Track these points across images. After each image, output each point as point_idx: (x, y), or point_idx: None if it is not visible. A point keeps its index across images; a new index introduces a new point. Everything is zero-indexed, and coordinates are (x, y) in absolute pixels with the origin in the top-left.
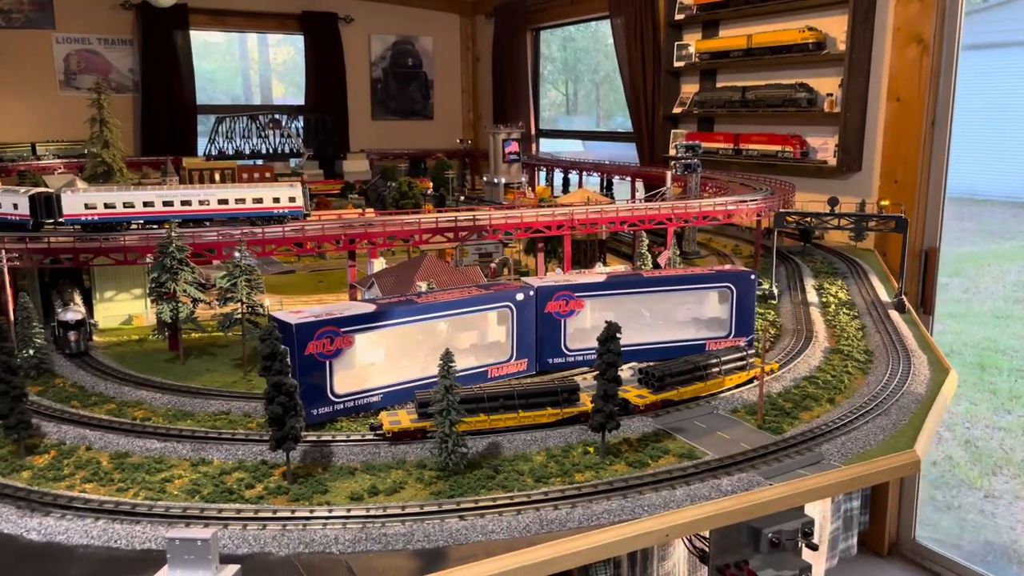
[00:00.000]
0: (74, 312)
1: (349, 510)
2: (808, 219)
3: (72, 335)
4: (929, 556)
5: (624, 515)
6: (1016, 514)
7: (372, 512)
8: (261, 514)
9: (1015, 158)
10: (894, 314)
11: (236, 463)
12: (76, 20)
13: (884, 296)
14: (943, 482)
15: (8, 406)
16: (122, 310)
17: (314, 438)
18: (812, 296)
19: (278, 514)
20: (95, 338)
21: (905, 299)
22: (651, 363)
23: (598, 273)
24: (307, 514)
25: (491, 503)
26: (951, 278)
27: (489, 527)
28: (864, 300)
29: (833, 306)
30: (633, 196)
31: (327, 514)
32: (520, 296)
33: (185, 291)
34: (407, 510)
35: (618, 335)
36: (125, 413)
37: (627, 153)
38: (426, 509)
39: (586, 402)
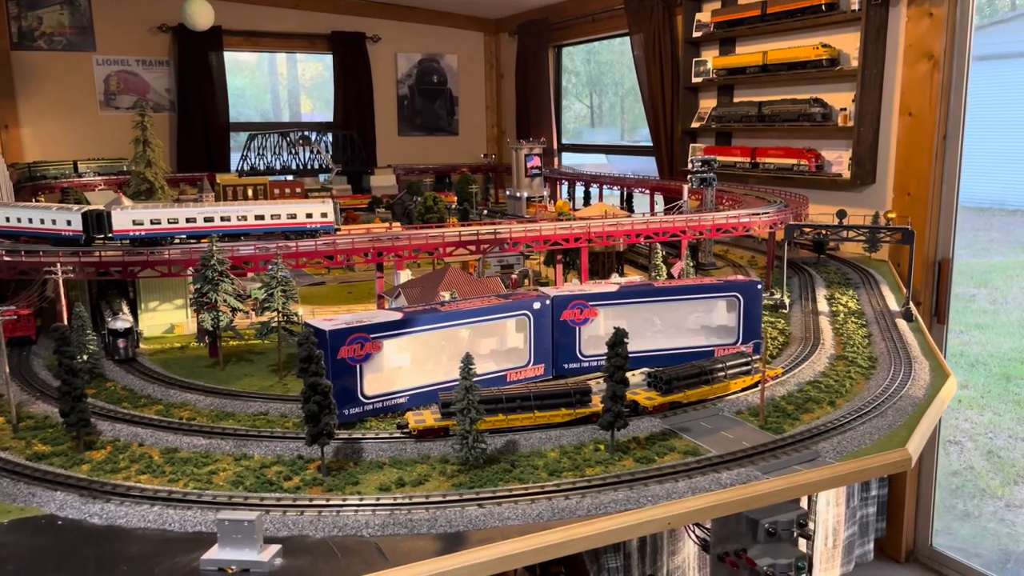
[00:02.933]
0: (123, 321)
1: (378, 499)
2: (819, 231)
3: (121, 342)
4: (947, 563)
5: (630, 504)
6: None
7: (399, 501)
8: (299, 502)
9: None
10: (901, 323)
11: (275, 458)
12: (115, 43)
13: (894, 306)
14: (964, 491)
15: (70, 405)
16: (165, 319)
17: (346, 436)
18: (823, 305)
19: (314, 502)
20: (141, 345)
21: (913, 308)
22: (660, 367)
23: (612, 284)
24: (340, 502)
25: (507, 493)
26: (978, 289)
27: (505, 514)
28: (873, 309)
29: (842, 315)
30: (652, 209)
31: (358, 502)
32: (537, 305)
33: (225, 301)
34: (431, 499)
35: (625, 340)
36: (172, 413)
37: (650, 166)
38: (448, 498)
39: (598, 403)
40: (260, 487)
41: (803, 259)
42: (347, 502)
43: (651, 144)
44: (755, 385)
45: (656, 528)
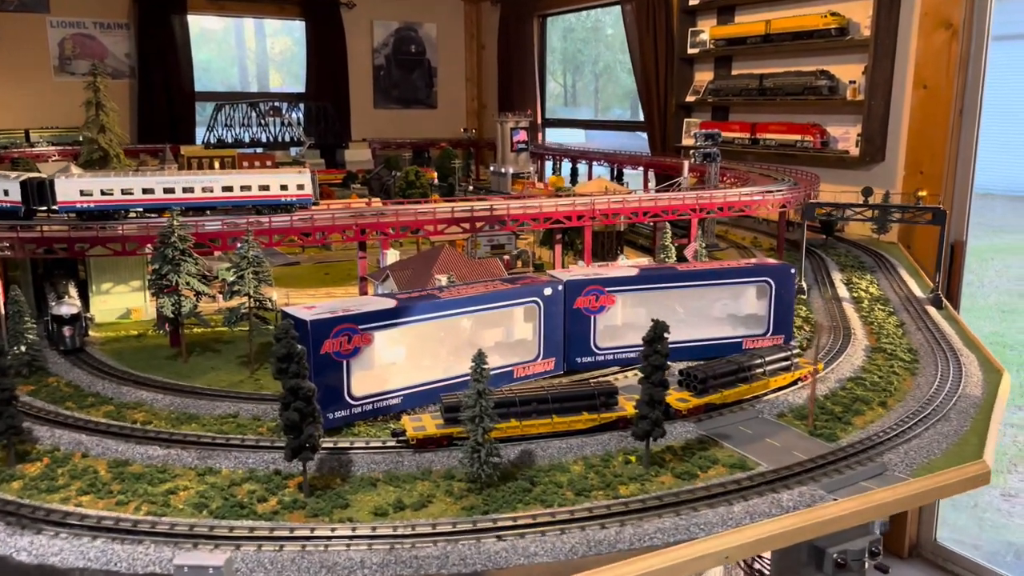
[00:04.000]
0: (69, 306)
1: (374, 528)
2: (842, 211)
3: (67, 330)
4: (950, 558)
5: (679, 535)
6: None
7: (400, 531)
8: (277, 533)
9: (1013, 152)
10: (932, 310)
11: (246, 473)
12: (71, 3)
13: (917, 291)
14: None
15: None
16: (120, 303)
17: (331, 444)
18: (842, 291)
19: (296, 533)
20: (91, 333)
21: (941, 295)
22: (693, 363)
23: (629, 267)
24: (328, 533)
25: (531, 520)
26: None
27: (531, 548)
28: (898, 295)
29: (866, 301)
30: (646, 186)
31: (350, 533)
32: (548, 291)
33: (188, 284)
34: (439, 528)
35: (666, 335)
36: (124, 416)
37: (630, 143)
38: (459, 527)
39: (625, 406)
40: (229, 511)
41: (810, 241)
42: (336, 533)
43: (639, 120)
44: (795, 382)
45: (712, 564)
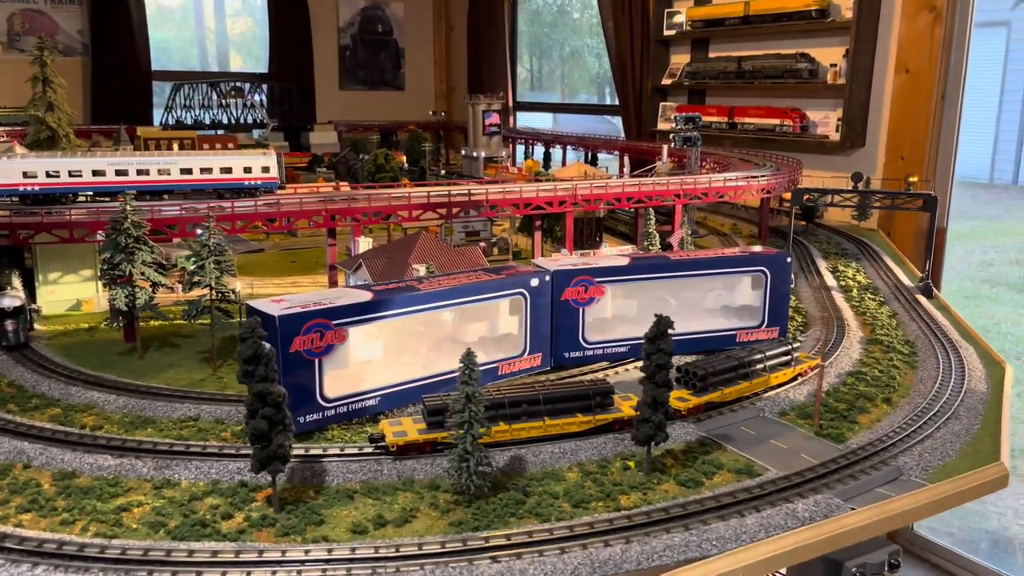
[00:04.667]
0: (11, 298)
1: (353, 549)
2: (831, 196)
3: (9, 324)
4: (926, 546)
5: (690, 552)
6: (1006, 501)
7: (383, 552)
8: (244, 556)
9: (967, 140)
10: (922, 299)
11: (208, 485)
12: None
13: (904, 279)
14: None
15: None
16: (69, 294)
17: (302, 451)
18: (829, 279)
19: (265, 556)
20: (37, 327)
21: (932, 284)
22: (690, 359)
23: (617, 255)
24: (302, 555)
25: (527, 538)
26: None
27: (529, 571)
28: (886, 283)
29: (855, 290)
30: (621, 171)
31: (326, 555)
32: (535, 282)
33: (143, 274)
34: (425, 548)
35: (669, 330)
36: (72, 420)
37: (599, 127)
38: (448, 547)
39: (621, 406)
40: (189, 531)
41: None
42: (311, 556)
43: (612, 104)
44: (795, 378)
45: None
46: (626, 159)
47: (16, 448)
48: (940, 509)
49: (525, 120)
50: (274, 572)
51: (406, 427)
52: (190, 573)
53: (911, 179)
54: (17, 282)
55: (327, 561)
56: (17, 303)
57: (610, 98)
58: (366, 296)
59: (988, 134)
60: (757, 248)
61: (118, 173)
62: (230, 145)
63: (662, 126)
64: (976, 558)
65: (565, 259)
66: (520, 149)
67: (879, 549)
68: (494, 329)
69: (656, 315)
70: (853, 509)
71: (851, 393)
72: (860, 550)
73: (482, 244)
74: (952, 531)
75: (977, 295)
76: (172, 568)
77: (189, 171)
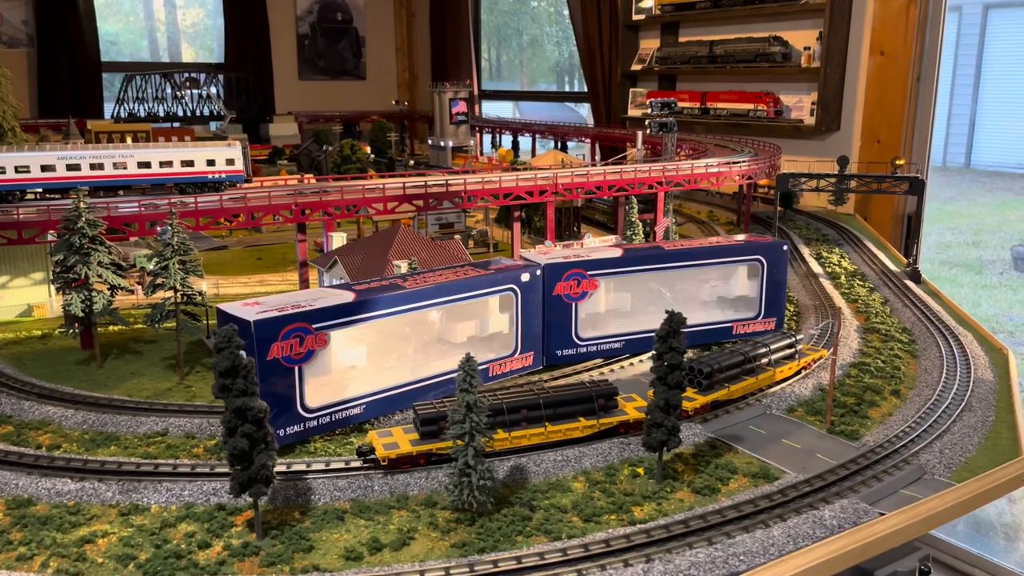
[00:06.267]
0: None
1: None
2: (818, 181)
3: None
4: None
5: (717, 570)
6: None
7: None
8: None
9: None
10: (911, 285)
11: (182, 509)
12: None
13: (889, 264)
14: None
15: None
16: (19, 299)
17: (284, 466)
18: (814, 266)
19: None
20: None
21: (920, 269)
22: (693, 355)
23: (609, 246)
24: None
25: (538, 561)
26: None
27: None
28: (872, 269)
29: (843, 277)
30: (593, 159)
31: None
32: (526, 277)
33: (100, 276)
34: (428, 575)
35: (681, 328)
36: (26, 439)
37: (563, 115)
38: (454, 573)
39: (626, 408)
40: (162, 565)
41: (766, 213)
42: None
43: (580, 91)
44: (799, 372)
45: None
46: (597, 147)
47: None
48: (968, 509)
49: (486, 109)
50: None
51: (397, 438)
52: None
53: (898, 162)
54: None
55: None
56: None
57: (569, 86)
58: (348, 296)
59: (941, 118)
60: (740, 237)
61: (69, 168)
62: (187, 138)
63: (632, 113)
64: (956, 541)
65: (553, 251)
66: (487, 138)
67: (909, 556)
68: (484, 328)
69: (667, 311)
70: (882, 514)
71: (857, 386)
72: (890, 557)
73: (456, 236)
74: None
75: (937, 277)
76: None
77: (147, 165)
